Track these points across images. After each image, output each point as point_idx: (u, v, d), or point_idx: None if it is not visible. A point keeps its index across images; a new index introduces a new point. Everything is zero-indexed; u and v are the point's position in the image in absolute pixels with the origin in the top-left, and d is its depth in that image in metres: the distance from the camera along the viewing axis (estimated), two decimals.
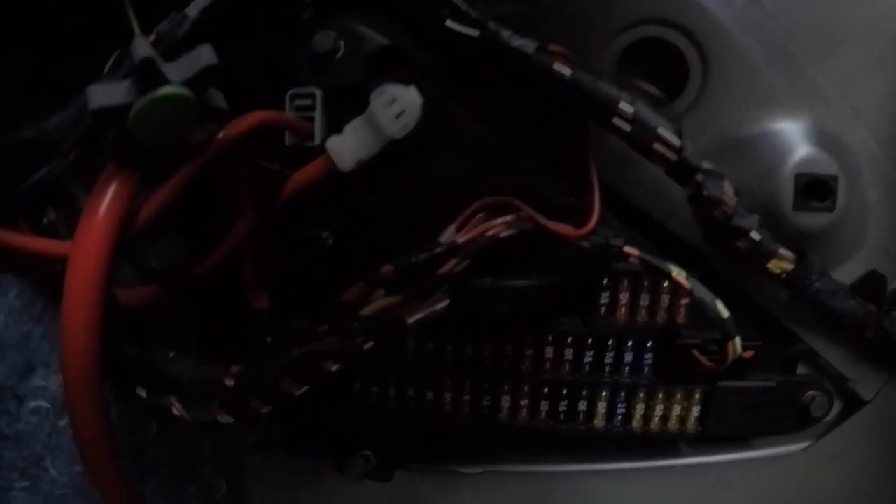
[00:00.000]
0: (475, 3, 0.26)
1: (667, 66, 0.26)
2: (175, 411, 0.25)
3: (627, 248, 0.25)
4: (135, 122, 0.19)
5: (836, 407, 0.30)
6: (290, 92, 0.26)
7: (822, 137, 0.26)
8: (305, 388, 0.24)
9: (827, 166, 0.26)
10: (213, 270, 0.26)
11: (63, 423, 0.24)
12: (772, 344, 0.29)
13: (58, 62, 0.25)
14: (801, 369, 0.30)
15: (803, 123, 0.26)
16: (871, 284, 0.28)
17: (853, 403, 0.30)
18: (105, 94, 0.19)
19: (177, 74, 0.19)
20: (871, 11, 0.27)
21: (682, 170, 0.24)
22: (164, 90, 0.19)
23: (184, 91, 0.19)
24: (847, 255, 0.28)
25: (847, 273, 0.28)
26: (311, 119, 0.26)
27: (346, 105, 0.26)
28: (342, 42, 0.26)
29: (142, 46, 0.19)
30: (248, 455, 0.31)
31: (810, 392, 0.29)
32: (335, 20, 0.26)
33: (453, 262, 0.23)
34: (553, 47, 0.24)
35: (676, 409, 0.28)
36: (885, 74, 0.27)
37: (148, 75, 0.19)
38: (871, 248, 0.28)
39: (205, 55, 0.20)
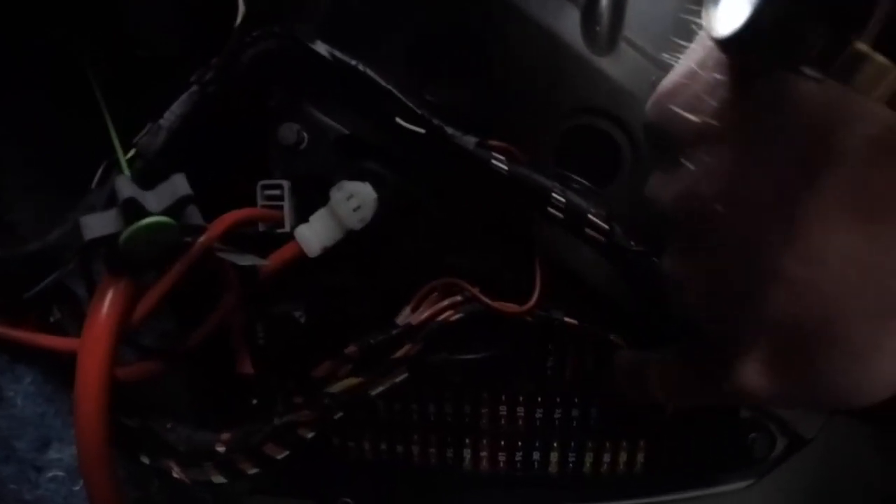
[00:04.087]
0: (425, 97, 0.28)
1: (602, 150, 0.28)
2: (175, 474, 0.28)
3: (568, 320, 0.28)
4: (125, 246, 0.22)
5: (781, 445, 0.33)
6: (260, 183, 0.29)
7: None
8: (287, 453, 0.28)
9: None
10: (201, 344, 0.29)
11: (77, 487, 0.28)
12: None
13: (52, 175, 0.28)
14: (744, 412, 0.32)
15: None
16: None
17: (796, 442, 0.32)
18: (96, 225, 0.22)
19: (156, 205, 0.23)
20: None
21: (613, 250, 0.26)
22: (147, 221, 0.22)
23: (163, 219, 0.22)
24: None
25: None
26: (281, 208, 0.29)
27: (314, 191, 0.29)
28: (305, 134, 0.29)
29: (124, 185, 0.22)
30: (244, 500, 0.34)
31: (752, 434, 0.32)
32: (299, 111, 0.28)
33: (408, 346, 0.26)
34: (494, 142, 0.27)
35: (624, 456, 0.31)
36: None
37: (131, 209, 0.22)
38: None
39: (179, 186, 0.23)
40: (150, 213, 0.22)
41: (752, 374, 0.18)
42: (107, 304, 0.23)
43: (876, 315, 0.16)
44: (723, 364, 0.19)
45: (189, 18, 0.28)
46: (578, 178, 0.27)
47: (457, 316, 0.26)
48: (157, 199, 0.23)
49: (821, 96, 0.16)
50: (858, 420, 0.32)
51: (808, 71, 0.15)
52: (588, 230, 0.26)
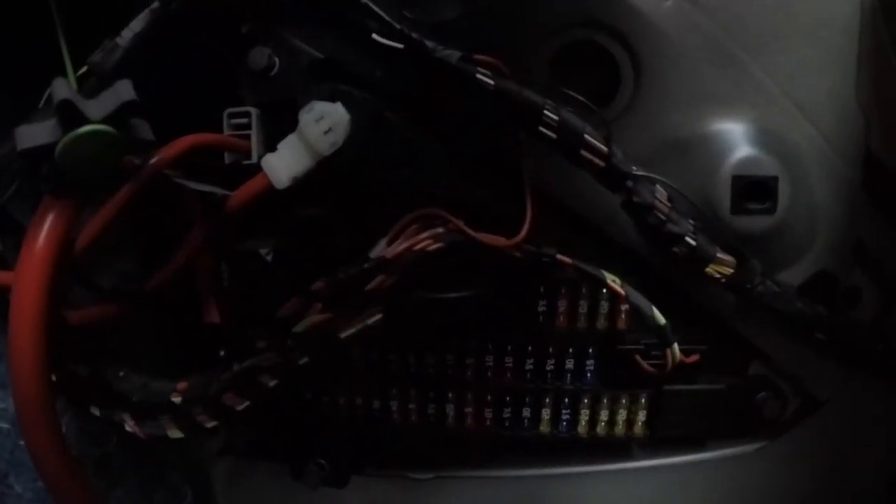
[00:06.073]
0: (404, 12, 0.26)
1: (600, 69, 0.25)
2: (128, 427, 0.26)
3: (560, 257, 0.25)
4: (62, 158, 0.20)
5: (793, 406, 0.30)
6: (226, 111, 0.26)
7: (764, 137, 0.26)
8: (248, 404, 0.25)
9: (766, 167, 0.25)
10: (164, 286, 0.27)
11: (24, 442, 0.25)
12: (723, 345, 0.29)
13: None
14: (754, 369, 0.29)
15: (744, 123, 0.26)
16: (820, 285, 0.28)
17: (809, 403, 0.30)
18: (31, 134, 0.20)
19: (97, 112, 0.20)
20: (821, 3, 0.26)
21: (612, 176, 0.24)
22: (84, 129, 0.20)
23: (103, 128, 0.20)
24: (795, 256, 0.27)
25: (797, 273, 0.28)
26: (248, 137, 0.26)
27: (284, 120, 0.26)
28: (276, 58, 0.26)
29: (61, 87, 0.20)
30: (213, 461, 0.32)
31: (762, 394, 0.29)
32: (271, 35, 0.26)
33: (381, 277, 0.24)
34: (479, 57, 0.24)
35: (623, 414, 0.28)
36: (833, 67, 0.26)
37: (68, 115, 0.20)
38: (820, 248, 0.27)
39: (123, 91, 0.20)
40: (90, 121, 0.20)
41: None
42: (45, 228, 0.21)
43: None
44: None
45: None
46: (575, 95, 0.24)
47: (436, 246, 0.24)
48: (98, 106, 0.20)
49: None
50: (876, 380, 0.29)
51: None
52: (584, 152, 0.23)
